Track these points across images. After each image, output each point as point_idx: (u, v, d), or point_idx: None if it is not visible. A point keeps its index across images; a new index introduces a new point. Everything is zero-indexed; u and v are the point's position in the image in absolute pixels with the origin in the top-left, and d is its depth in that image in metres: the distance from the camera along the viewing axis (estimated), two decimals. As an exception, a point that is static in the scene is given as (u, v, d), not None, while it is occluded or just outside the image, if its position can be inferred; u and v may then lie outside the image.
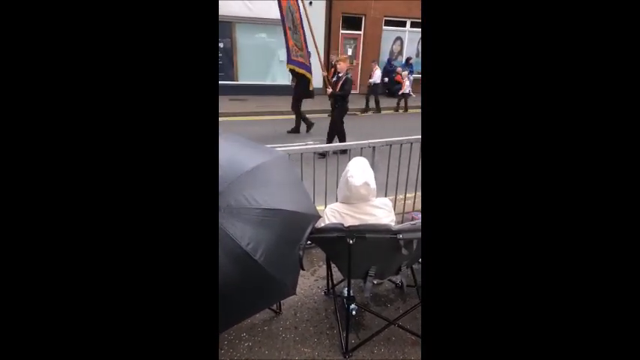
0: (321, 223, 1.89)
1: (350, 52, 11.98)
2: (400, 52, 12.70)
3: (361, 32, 11.90)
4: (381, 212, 1.98)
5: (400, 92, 10.24)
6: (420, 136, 2.71)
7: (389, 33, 12.23)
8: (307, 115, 7.19)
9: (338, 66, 5.66)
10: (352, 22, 11.67)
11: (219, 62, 10.41)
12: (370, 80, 9.54)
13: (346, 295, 2.04)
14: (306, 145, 3.39)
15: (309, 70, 6.07)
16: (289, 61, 6.30)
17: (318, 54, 6.01)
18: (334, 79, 5.68)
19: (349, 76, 5.54)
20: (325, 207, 2.07)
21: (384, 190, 3.36)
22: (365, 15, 11.60)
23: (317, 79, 7.71)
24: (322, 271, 2.66)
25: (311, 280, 2.59)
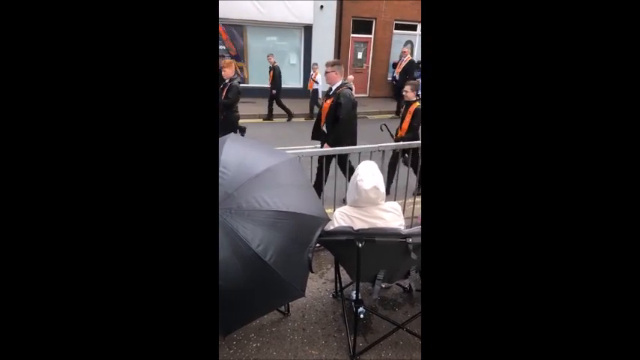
0: (330, 226, 1.90)
1: (360, 55, 11.99)
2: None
3: (371, 36, 11.90)
4: (390, 216, 1.98)
5: None
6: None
7: (399, 36, 12.20)
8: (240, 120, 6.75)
9: (223, 72, 4.92)
10: (363, 26, 11.68)
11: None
12: (314, 87, 8.91)
13: (354, 298, 2.04)
14: (315, 147, 3.41)
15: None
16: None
17: None
18: (221, 86, 4.96)
19: (235, 82, 4.88)
20: (334, 210, 2.08)
21: (393, 193, 3.36)
22: (375, 19, 11.60)
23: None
24: (331, 273, 2.66)
25: (319, 282, 2.60)
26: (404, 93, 4.07)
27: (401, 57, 9.63)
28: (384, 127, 4.23)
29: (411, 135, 3.93)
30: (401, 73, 9.45)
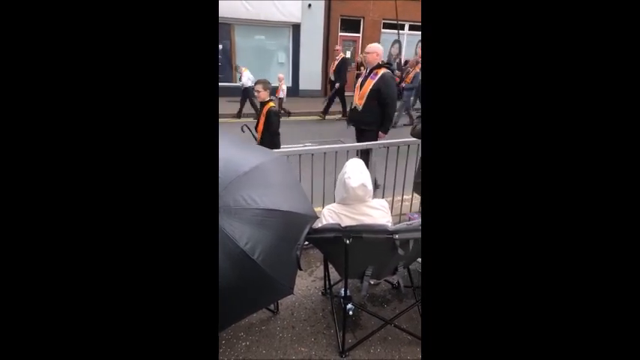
0: (318, 224, 1.91)
1: (349, 54, 12.03)
2: (398, 55, 12.75)
3: (360, 35, 11.94)
4: (378, 213, 2.00)
5: (277, 96, 8.71)
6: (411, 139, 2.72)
7: (387, 35, 12.26)
8: None
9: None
10: (351, 25, 11.71)
11: (218, 64, 10.44)
12: (240, 83, 8.63)
13: (343, 295, 2.06)
14: (304, 146, 3.41)
15: None
16: None
17: None
18: None
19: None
20: (322, 208, 2.09)
21: (381, 191, 3.39)
22: (363, 17, 11.64)
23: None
24: (319, 271, 2.67)
25: (308, 280, 2.61)
26: (255, 93, 3.56)
27: (334, 56, 9.13)
28: (245, 128, 3.74)
29: (268, 139, 3.35)
30: (335, 72, 8.94)
